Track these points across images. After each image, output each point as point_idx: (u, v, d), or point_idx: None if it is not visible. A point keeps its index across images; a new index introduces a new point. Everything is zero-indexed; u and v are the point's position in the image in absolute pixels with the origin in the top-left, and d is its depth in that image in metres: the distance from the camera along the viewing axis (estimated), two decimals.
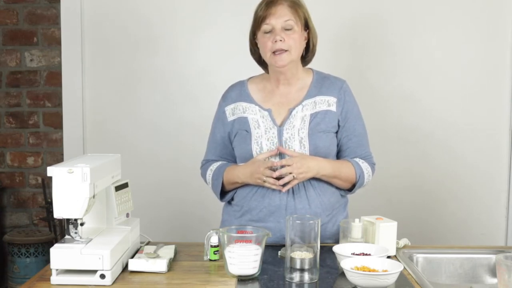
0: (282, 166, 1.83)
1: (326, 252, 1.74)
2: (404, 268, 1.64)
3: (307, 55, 1.99)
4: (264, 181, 1.84)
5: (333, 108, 1.93)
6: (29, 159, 3.41)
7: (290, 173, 1.81)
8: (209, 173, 2.02)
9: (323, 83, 1.96)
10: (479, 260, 1.85)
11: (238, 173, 1.92)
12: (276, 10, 1.86)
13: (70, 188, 1.50)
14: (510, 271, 1.36)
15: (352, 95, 1.98)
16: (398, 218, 1.84)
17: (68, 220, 1.55)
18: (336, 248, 1.65)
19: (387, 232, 1.76)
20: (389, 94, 3.03)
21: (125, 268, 1.65)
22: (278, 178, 1.84)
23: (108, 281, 1.51)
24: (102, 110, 3.11)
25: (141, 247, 1.80)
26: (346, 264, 1.52)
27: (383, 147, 2.99)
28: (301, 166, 1.82)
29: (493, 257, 1.83)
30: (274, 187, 1.85)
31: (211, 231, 1.71)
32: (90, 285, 1.51)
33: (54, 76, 3.34)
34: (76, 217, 1.53)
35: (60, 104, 3.27)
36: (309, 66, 2.03)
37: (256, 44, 1.96)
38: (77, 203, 1.51)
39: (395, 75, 3.04)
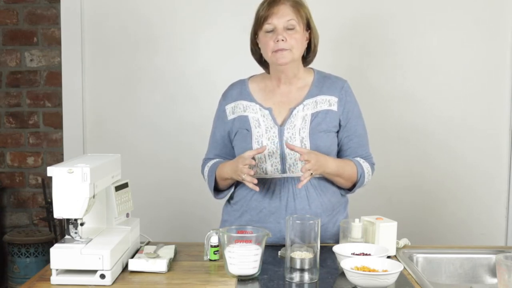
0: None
1: (326, 252, 1.74)
2: (404, 268, 1.64)
3: (308, 56, 1.99)
4: (243, 179, 1.81)
5: (334, 107, 1.93)
6: (29, 159, 3.41)
7: (308, 170, 1.77)
8: (206, 170, 2.02)
9: (324, 83, 1.96)
10: (479, 260, 1.85)
11: (226, 169, 1.91)
12: (278, 9, 1.86)
13: (70, 188, 1.50)
14: (510, 271, 1.36)
15: (353, 95, 1.98)
16: (398, 218, 1.84)
17: (68, 220, 1.55)
18: (336, 248, 1.65)
19: (387, 232, 1.76)
20: (390, 94, 3.04)
21: (125, 268, 1.65)
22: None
23: (108, 281, 1.51)
24: (102, 110, 3.11)
25: (141, 247, 1.80)
26: (346, 264, 1.52)
27: (383, 147, 2.99)
28: (316, 162, 1.80)
29: (493, 257, 1.83)
30: (251, 186, 1.80)
31: (211, 231, 1.71)
32: (90, 285, 1.51)
33: (54, 76, 3.34)
34: (76, 217, 1.53)
35: (60, 104, 3.27)
36: (310, 65, 2.03)
37: (257, 44, 1.96)
38: (77, 203, 1.50)
39: (396, 75, 3.04)
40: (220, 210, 2.10)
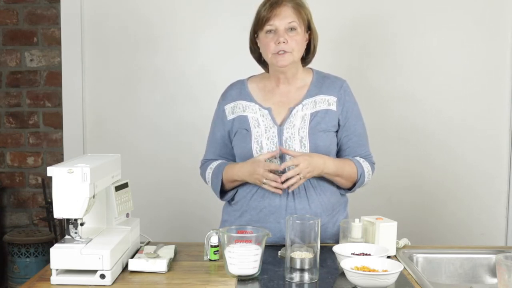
0: (283, 171, 1.82)
1: (326, 252, 1.74)
2: (404, 268, 1.64)
3: (307, 56, 1.99)
4: (264, 183, 1.84)
5: (333, 107, 1.93)
6: (29, 159, 3.41)
7: (298, 174, 1.80)
8: (209, 172, 2.02)
9: (323, 83, 1.96)
10: (479, 260, 1.85)
11: (237, 171, 1.92)
12: (280, 11, 1.85)
13: (70, 188, 1.50)
14: (510, 271, 1.36)
15: (352, 94, 1.98)
16: (398, 218, 1.84)
17: (68, 220, 1.55)
18: (336, 248, 1.65)
19: (387, 232, 1.76)
20: (390, 94, 3.04)
21: (125, 268, 1.65)
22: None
23: (108, 281, 1.51)
24: (102, 110, 3.11)
25: (141, 247, 1.80)
26: (346, 264, 1.52)
27: (383, 147, 2.99)
28: (308, 165, 1.81)
29: (493, 257, 1.83)
30: (273, 190, 1.84)
31: (211, 231, 1.71)
32: (90, 285, 1.51)
33: (54, 76, 3.34)
34: (76, 217, 1.53)
35: (60, 104, 3.27)
36: (309, 65, 2.03)
37: (256, 43, 1.96)
38: (77, 203, 1.50)
39: (396, 75, 3.04)
40: (220, 210, 2.10)
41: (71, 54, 3.08)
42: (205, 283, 1.54)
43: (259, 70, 2.05)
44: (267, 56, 1.90)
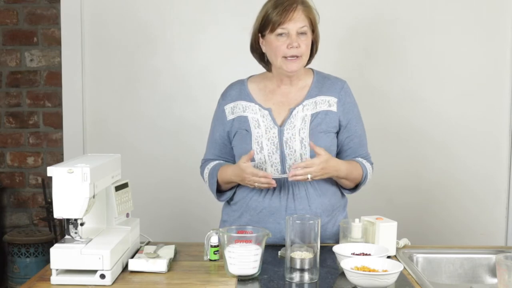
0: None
1: (326, 252, 1.74)
2: (404, 268, 1.64)
3: (309, 57, 1.99)
4: (257, 187, 1.84)
5: (334, 108, 1.93)
6: (29, 159, 3.41)
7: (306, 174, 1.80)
8: (206, 172, 2.02)
9: (324, 83, 1.96)
10: (479, 260, 1.85)
11: (229, 174, 1.92)
12: (293, 15, 1.83)
13: (70, 188, 1.50)
14: (510, 271, 1.36)
15: (352, 95, 1.98)
16: (398, 218, 1.84)
17: (68, 220, 1.55)
18: (336, 248, 1.65)
19: (387, 232, 1.76)
20: (390, 94, 3.04)
21: (125, 268, 1.65)
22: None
23: (108, 281, 1.51)
24: (102, 110, 3.11)
25: (141, 247, 1.80)
26: (346, 264, 1.52)
27: (383, 147, 2.99)
28: (323, 168, 1.81)
29: (493, 257, 1.83)
30: (266, 187, 1.84)
31: (211, 231, 1.71)
32: (90, 285, 1.51)
33: (54, 76, 3.34)
34: (76, 217, 1.53)
35: (60, 104, 3.26)
36: (310, 65, 2.03)
37: (259, 43, 1.95)
38: (77, 203, 1.51)
39: (397, 75, 3.04)
40: (220, 210, 2.10)
41: (71, 54, 3.08)
42: (205, 283, 1.54)
43: (259, 70, 2.04)
44: (276, 58, 1.88)
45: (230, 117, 1.98)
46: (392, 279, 1.47)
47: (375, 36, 3.02)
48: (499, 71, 3.03)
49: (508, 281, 1.37)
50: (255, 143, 1.90)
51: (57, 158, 3.37)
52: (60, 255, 1.52)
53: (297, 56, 1.85)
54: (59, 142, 3.35)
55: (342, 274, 1.56)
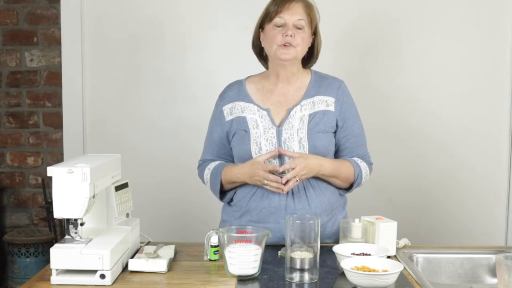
0: (283, 172, 1.83)
1: (326, 252, 1.74)
2: (404, 268, 1.64)
3: (310, 60, 1.99)
4: (265, 184, 1.84)
5: (331, 108, 1.93)
6: (29, 159, 3.41)
7: (294, 176, 1.81)
8: (207, 173, 2.01)
9: (322, 83, 1.97)
10: (479, 260, 1.85)
11: (236, 173, 1.92)
12: (291, 6, 1.87)
13: (70, 188, 1.50)
14: (510, 271, 1.36)
15: (350, 95, 1.99)
16: (398, 218, 1.84)
17: (68, 220, 1.55)
18: (336, 248, 1.65)
19: (387, 232, 1.76)
20: (390, 94, 3.04)
21: (125, 268, 1.65)
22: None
23: (108, 281, 1.51)
24: (102, 110, 3.11)
25: (141, 247, 1.80)
26: (346, 264, 1.52)
27: (383, 147, 2.99)
28: (304, 167, 1.82)
29: (493, 257, 1.83)
30: (275, 190, 1.85)
31: (211, 231, 1.71)
32: (90, 285, 1.51)
33: (54, 76, 3.34)
34: (76, 217, 1.53)
35: (60, 104, 3.27)
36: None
37: (259, 38, 1.96)
38: (77, 203, 1.51)
39: (396, 75, 3.04)
40: (220, 210, 2.09)
41: (71, 54, 3.08)
42: (205, 283, 1.54)
43: (259, 70, 2.05)
44: (271, 48, 1.90)
45: (228, 117, 1.98)
46: (392, 279, 1.47)
47: (375, 36, 3.02)
48: (499, 71, 3.03)
49: (508, 281, 1.37)
50: (254, 144, 1.91)
51: (57, 158, 3.37)
52: (60, 255, 1.51)
53: (291, 44, 1.86)
54: (59, 142, 3.35)
55: (342, 274, 1.56)
